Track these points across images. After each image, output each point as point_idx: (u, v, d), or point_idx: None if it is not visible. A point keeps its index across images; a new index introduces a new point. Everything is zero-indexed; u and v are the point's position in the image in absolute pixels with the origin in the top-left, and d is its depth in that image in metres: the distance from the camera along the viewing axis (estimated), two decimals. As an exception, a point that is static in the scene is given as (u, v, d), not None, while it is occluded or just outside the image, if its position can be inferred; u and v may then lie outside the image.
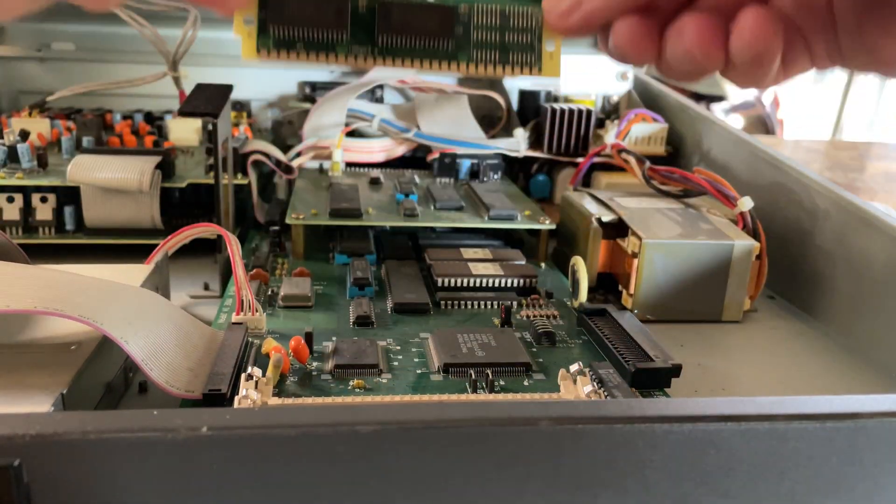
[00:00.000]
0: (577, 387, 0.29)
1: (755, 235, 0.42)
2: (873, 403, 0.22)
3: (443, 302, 0.39)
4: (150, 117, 0.62)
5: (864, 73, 0.23)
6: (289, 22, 0.24)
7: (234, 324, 0.33)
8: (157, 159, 0.45)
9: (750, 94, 1.80)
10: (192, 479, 0.20)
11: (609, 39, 0.24)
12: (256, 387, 0.27)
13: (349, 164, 0.58)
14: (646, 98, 0.65)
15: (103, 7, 0.21)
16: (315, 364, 0.32)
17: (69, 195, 0.45)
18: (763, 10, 0.22)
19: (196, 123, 0.56)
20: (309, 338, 0.32)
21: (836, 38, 0.23)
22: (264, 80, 0.66)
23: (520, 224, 0.46)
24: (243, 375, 0.27)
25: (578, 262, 0.40)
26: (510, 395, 0.30)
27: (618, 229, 0.43)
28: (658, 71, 0.24)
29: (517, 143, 0.58)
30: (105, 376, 0.29)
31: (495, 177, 0.57)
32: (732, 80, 0.23)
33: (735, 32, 0.22)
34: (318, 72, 0.66)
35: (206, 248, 0.44)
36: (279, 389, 0.30)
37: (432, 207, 0.48)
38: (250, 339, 0.33)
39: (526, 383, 0.31)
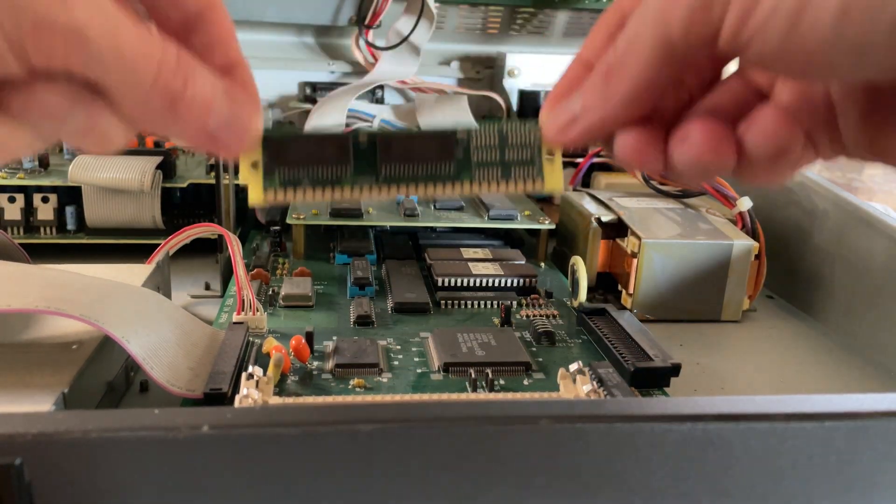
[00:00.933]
0: (576, 386, 0.29)
1: (754, 235, 0.42)
2: (872, 402, 0.22)
3: (443, 301, 0.39)
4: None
5: (869, 162, 0.23)
6: (293, 163, 0.25)
7: (234, 323, 0.33)
8: (158, 159, 0.45)
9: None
10: (193, 478, 0.20)
11: (613, 149, 0.23)
12: (257, 386, 0.27)
13: (349, 165, 0.58)
14: (645, 98, 0.65)
15: (104, 151, 0.22)
16: (316, 363, 0.32)
17: (70, 195, 0.45)
18: (777, 109, 0.22)
19: (197, 124, 0.56)
20: (309, 337, 0.32)
21: (838, 132, 0.23)
22: (265, 81, 0.66)
23: (520, 224, 0.46)
24: (244, 374, 0.27)
25: (578, 262, 0.40)
26: (510, 395, 0.30)
27: (617, 229, 0.43)
28: (667, 176, 0.23)
29: (517, 144, 0.58)
30: (106, 375, 0.29)
31: (495, 177, 0.57)
32: (745, 178, 0.23)
33: (754, 129, 0.22)
34: (319, 72, 0.66)
35: (207, 248, 0.44)
36: (280, 388, 0.30)
37: (432, 207, 0.48)
38: (251, 339, 0.33)
39: (526, 382, 0.31)
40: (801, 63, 0.19)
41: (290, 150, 0.25)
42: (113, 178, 0.43)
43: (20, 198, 0.45)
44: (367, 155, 0.25)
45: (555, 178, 0.25)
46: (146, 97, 0.20)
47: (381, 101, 0.66)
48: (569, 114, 0.23)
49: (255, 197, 0.24)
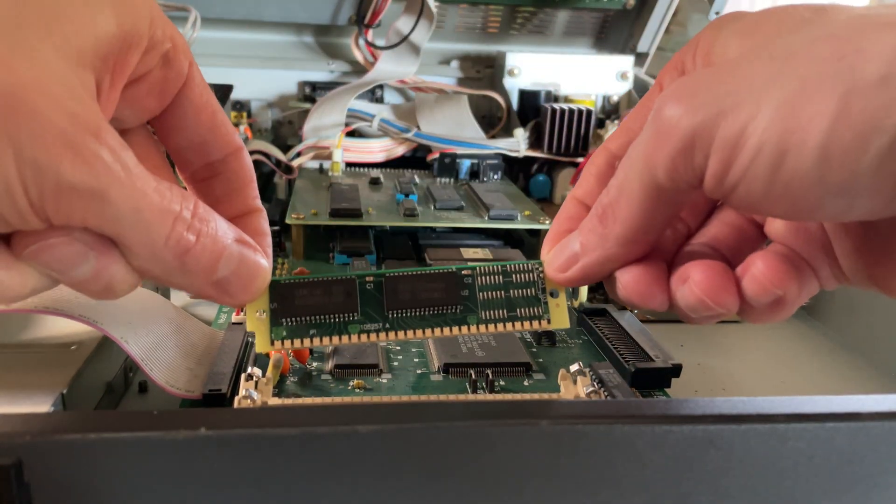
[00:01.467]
0: (577, 387, 0.29)
1: (755, 235, 0.42)
2: (873, 403, 0.22)
3: (443, 302, 0.39)
4: (151, 117, 0.62)
5: (869, 291, 0.23)
6: (300, 312, 0.25)
7: (233, 324, 0.33)
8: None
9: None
10: (192, 479, 0.20)
11: (615, 287, 0.23)
12: (256, 387, 0.27)
13: (349, 164, 0.58)
14: (646, 98, 0.65)
15: (107, 298, 0.21)
16: (315, 364, 0.32)
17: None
18: (772, 254, 0.22)
19: (196, 123, 0.56)
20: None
21: (837, 263, 0.23)
22: (264, 80, 0.66)
23: (519, 224, 0.46)
24: (243, 375, 0.27)
25: (578, 262, 0.40)
26: (510, 395, 0.30)
27: (618, 229, 0.42)
28: (676, 313, 0.23)
29: (517, 143, 0.58)
30: (105, 376, 0.29)
31: (495, 177, 0.57)
32: (749, 320, 0.23)
33: (748, 279, 0.21)
34: (319, 72, 0.66)
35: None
36: (279, 389, 0.30)
37: (432, 207, 0.48)
38: (250, 339, 0.33)
39: (526, 383, 0.31)
40: (786, 207, 0.19)
41: (296, 296, 0.25)
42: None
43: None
44: (374, 299, 0.25)
45: (560, 316, 0.26)
46: (158, 252, 0.20)
47: (380, 100, 0.65)
48: (568, 253, 0.24)
49: (262, 347, 0.25)
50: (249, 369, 0.28)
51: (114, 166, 0.18)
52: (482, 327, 0.25)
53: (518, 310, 0.26)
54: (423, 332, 0.25)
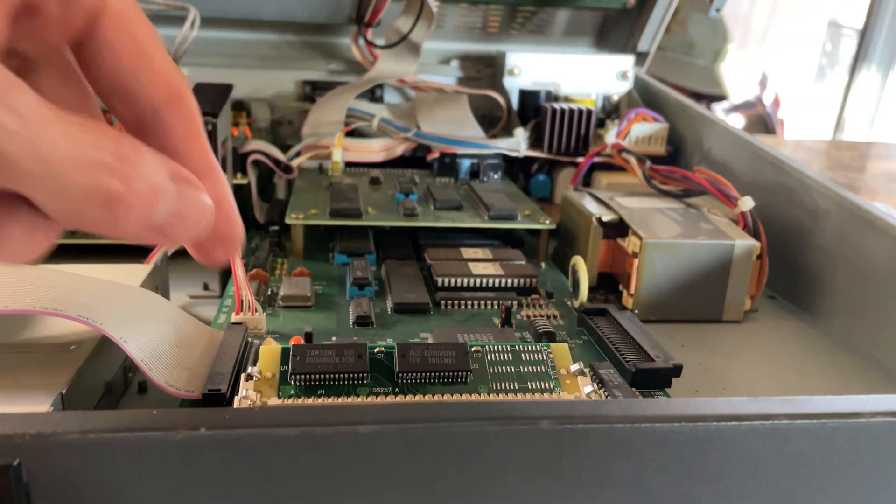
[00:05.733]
0: (577, 387, 0.29)
1: (756, 235, 0.42)
2: (874, 403, 0.22)
3: (443, 302, 0.39)
4: (150, 117, 0.61)
5: None
6: (311, 371, 0.26)
7: (233, 324, 0.33)
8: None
9: (751, 93, 1.80)
10: (192, 479, 0.20)
11: None
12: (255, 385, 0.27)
13: (349, 164, 0.57)
14: (646, 97, 0.65)
15: (13, 263, 0.19)
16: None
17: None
18: None
19: (196, 123, 0.56)
20: (309, 338, 0.32)
21: None
22: (263, 80, 0.66)
23: (520, 224, 0.46)
24: (243, 375, 0.27)
25: (578, 262, 0.40)
26: (510, 395, 0.29)
27: (618, 229, 0.43)
28: None
29: (517, 143, 0.58)
30: (105, 376, 0.29)
31: (495, 176, 0.57)
32: None
33: None
34: (318, 71, 0.66)
35: (206, 248, 0.43)
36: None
37: (432, 207, 0.48)
38: (250, 339, 0.33)
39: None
40: None
41: (308, 355, 0.26)
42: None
43: (19, 197, 0.44)
44: (385, 363, 0.26)
45: (573, 386, 0.27)
46: (79, 208, 0.17)
47: (380, 99, 0.65)
48: None
49: (268, 398, 0.26)
50: (249, 369, 0.28)
51: (1, 116, 0.15)
52: (493, 396, 0.26)
53: (529, 383, 0.27)
54: (433, 397, 0.26)
